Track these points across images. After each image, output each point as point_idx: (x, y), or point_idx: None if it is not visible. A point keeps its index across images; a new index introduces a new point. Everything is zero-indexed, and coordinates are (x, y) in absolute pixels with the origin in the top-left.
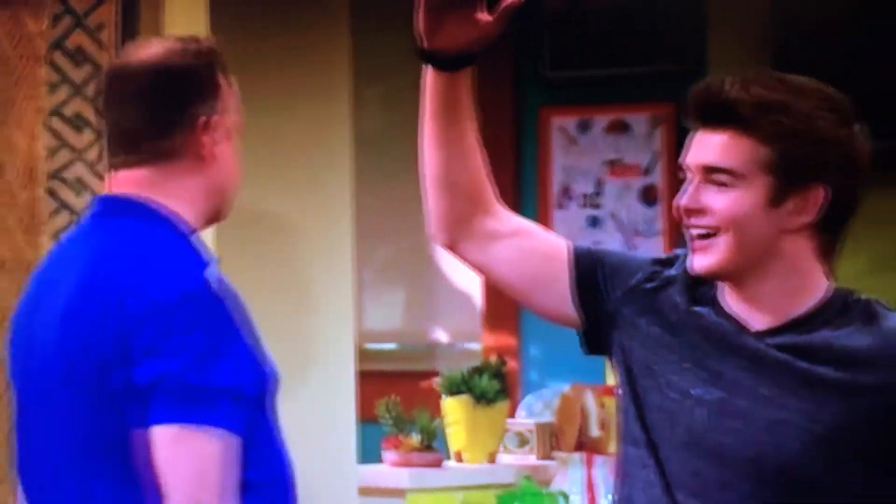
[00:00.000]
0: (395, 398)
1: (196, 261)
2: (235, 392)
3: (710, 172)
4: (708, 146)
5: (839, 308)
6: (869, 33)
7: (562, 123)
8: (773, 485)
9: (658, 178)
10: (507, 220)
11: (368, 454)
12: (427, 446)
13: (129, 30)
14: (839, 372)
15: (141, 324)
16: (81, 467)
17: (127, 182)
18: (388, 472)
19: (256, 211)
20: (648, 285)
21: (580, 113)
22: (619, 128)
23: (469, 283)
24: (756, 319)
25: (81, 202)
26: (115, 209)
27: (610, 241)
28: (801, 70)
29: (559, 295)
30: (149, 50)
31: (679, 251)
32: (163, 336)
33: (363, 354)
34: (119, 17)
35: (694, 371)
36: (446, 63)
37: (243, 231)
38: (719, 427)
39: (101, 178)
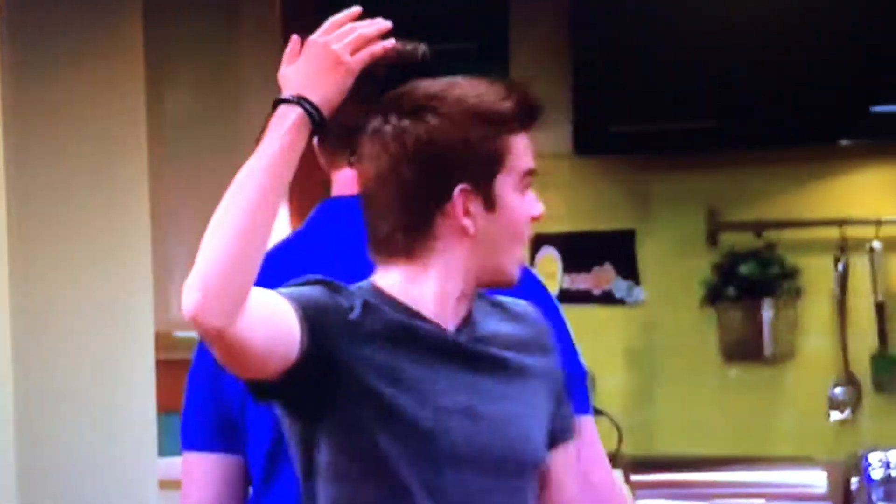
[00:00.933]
0: None
1: None
2: None
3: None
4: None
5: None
6: (665, 14)
7: None
8: (516, 475)
9: None
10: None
11: (177, 446)
12: None
13: None
14: (517, 356)
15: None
16: None
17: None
18: None
19: (48, 198)
20: (353, 316)
21: None
22: None
23: None
24: (446, 320)
25: None
26: None
27: None
28: (601, 49)
29: (292, 351)
30: None
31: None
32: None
33: (175, 343)
34: None
35: (431, 386)
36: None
37: (35, 218)
38: (474, 433)
39: None
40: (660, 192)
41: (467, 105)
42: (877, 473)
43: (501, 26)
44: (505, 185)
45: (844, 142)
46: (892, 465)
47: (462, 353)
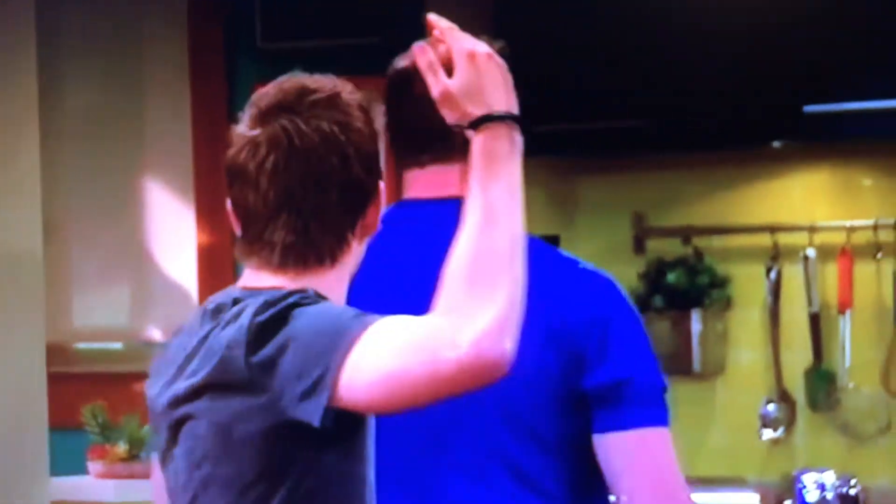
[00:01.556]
0: (101, 403)
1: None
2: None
3: None
4: None
5: None
6: (591, 10)
7: None
8: None
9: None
10: None
11: (75, 465)
12: (135, 456)
13: None
14: None
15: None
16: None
17: (438, 181)
18: (93, 484)
19: None
20: None
21: None
22: None
23: (185, 278)
24: None
25: None
26: None
27: None
28: (524, 45)
29: None
30: None
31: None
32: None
33: (76, 355)
34: None
35: None
36: None
37: None
38: None
39: None
40: (585, 196)
41: (364, 103)
42: (811, 495)
43: (415, 19)
44: None
45: (777, 143)
46: (826, 487)
47: None
